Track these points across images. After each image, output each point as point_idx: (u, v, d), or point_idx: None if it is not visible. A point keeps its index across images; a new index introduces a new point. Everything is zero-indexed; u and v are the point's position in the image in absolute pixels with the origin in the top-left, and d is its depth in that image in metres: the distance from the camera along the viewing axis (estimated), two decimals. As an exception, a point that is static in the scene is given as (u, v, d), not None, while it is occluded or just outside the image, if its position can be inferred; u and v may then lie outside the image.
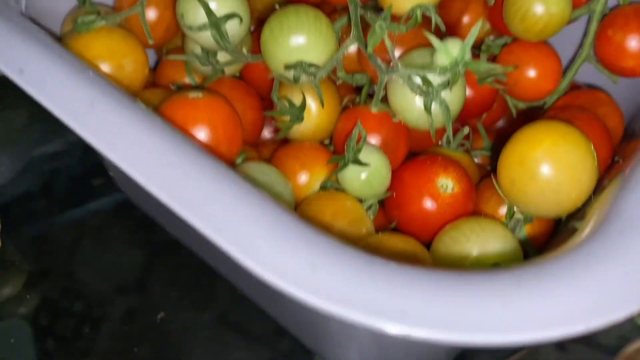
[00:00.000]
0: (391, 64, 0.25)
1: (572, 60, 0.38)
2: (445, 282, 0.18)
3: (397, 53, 0.32)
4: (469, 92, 0.37)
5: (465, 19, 0.39)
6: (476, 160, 0.39)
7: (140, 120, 0.22)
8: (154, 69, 0.38)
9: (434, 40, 0.24)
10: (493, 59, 0.38)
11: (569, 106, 0.34)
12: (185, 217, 0.19)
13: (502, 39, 0.39)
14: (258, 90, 0.35)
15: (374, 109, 0.27)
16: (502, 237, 0.27)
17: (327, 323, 0.29)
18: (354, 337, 0.29)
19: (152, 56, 0.39)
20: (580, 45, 0.38)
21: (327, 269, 0.18)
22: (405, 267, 0.19)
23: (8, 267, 0.41)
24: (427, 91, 0.27)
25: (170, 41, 0.38)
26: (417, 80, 0.27)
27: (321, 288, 0.17)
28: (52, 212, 0.44)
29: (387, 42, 0.24)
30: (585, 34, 0.38)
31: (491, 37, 0.40)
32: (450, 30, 0.39)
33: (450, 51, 0.25)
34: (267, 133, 0.37)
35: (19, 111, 0.53)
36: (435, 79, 0.27)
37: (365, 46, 0.26)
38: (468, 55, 0.25)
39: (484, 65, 0.25)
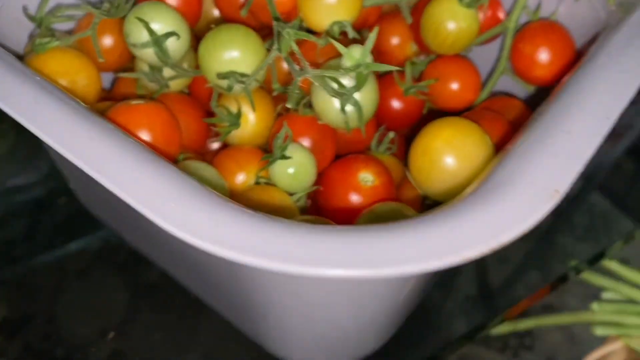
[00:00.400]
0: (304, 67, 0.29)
1: (492, 73, 0.43)
2: (335, 233, 0.21)
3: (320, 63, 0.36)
4: (397, 104, 0.41)
5: (394, 40, 0.43)
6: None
7: (78, 112, 0.25)
8: (111, 89, 0.41)
9: (338, 46, 0.28)
10: (421, 76, 0.43)
11: (481, 109, 0.38)
12: (109, 187, 0.22)
13: (427, 57, 0.43)
14: (204, 104, 0.38)
15: (289, 104, 0.30)
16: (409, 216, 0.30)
17: (266, 312, 0.31)
18: (290, 324, 0.32)
19: (110, 79, 0.43)
20: (498, 60, 0.42)
21: (230, 224, 0.21)
22: (304, 224, 0.22)
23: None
24: (341, 92, 0.30)
25: (125, 65, 0.42)
26: (334, 85, 0.31)
27: (225, 239, 0.21)
28: (32, 255, 0.45)
29: (295, 47, 0.28)
30: (501, 49, 0.42)
31: (421, 57, 0.44)
32: (379, 49, 0.43)
33: (353, 55, 0.28)
34: (216, 146, 0.41)
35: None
36: (348, 83, 0.31)
37: (289, 59, 0.30)
38: (369, 58, 0.29)
39: (384, 66, 0.29)
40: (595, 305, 0.80)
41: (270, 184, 0.34)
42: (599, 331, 0.79)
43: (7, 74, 0.26)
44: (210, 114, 0.37)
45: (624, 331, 0.77)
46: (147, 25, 0.32)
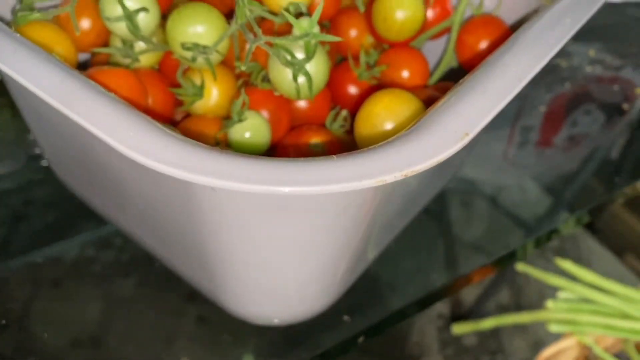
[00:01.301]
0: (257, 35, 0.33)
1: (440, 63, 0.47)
2: (263, 161, 0.24)
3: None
4: (353, 89, 0.45)
5: (352, 32, 0.47)
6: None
7: (51, 60, 0.28)
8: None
9: (289, 17, 0.32)
10: (375, 64, 0.46)
11: (424, 89, 0.42)
12: (78, 121, 0.25)
13: (381, 47, 0.47)
14: (172, 80, 0.42)
15: (243, 67, 0.34)
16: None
17: (220, 262, 0.34)
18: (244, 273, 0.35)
19: (86, 61, 0.46)
20: (445, 51, 0.46)
21: (177, 148, 0.24)
22: (247, 155, 0.25)
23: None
24: (293, 62, 0.34)
25: (101, 46, 0.45)
26: (288, 57, 0.34)
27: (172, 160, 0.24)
28: (6, 262, 0.45)
29: (248, 13, 0.31)
30: (447, 42, 0.46)
31: (377, 50, 0.48)
32: (340, 42, 0.47)
33: (302, 25, 0.32)
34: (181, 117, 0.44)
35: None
36: (300, 55, 0.34)
37: (242, 28, 0.34)
38: (316, 29, 0.32)
39: (329, 37, 0.32)
40: (550, 304, 0.84)
41: (228, 146, 0.37)
42: (554, 328, 0.82)
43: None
44: (177, 87, 0.41)
45: (578, 328, 0.81)
46: (120, 1, 0.36)
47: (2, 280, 0.43)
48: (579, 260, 0.83)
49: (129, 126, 0.25)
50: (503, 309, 0.89)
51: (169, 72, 0.42)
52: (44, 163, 0.51)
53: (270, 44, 0.34)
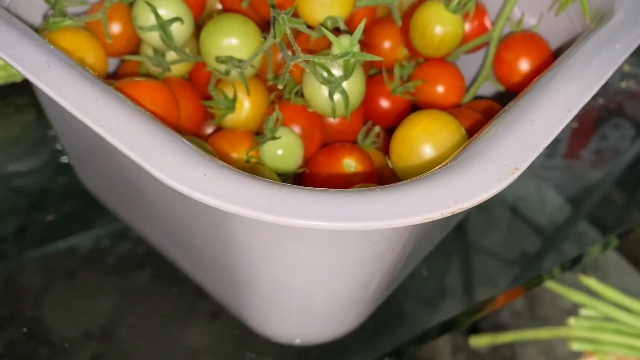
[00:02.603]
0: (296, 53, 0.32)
1: (476, 78, 0.45)
2: (309, 192, 0.24)
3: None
4: (385, 103, 0.44)
5: (386, 44, 0.46)
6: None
7: (85, 76, 0.27)
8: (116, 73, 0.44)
9: (328, 34, 0.31)
10: (409, 78, 0.45)
11: (458, 108, 0.41)
12: (113, 143, 0.24)
13: (416, 61, 0.45)
14: (202, 90, 0.41)
15: (280, 85, 0.33)
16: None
17: (249, 281, 0.33)
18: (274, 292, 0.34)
19: (115, 66, 0.45)
20: (482, 67, 0.45)
21: (217, 176, 0.23)
22: (288, 185, 0.24)
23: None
24: (330, 80, 0.33)
25: (131, 51, 0.44)
26: (324, 74, 0.33)
27: (211, 189, 0.23)
28: (22, 252, 0.45)
29: (289, 32, 0.30)
30: (485, 57, 0.45)
31: (411, 63, 0.47)
32: (372, 52, 0.46)
33: (342, 43, 0.31)
34: (210, 130, 0.43)
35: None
36: (337, 72, 0.33)
37: (284, 47, 0.33)
38: (356, 48, 0.31)
39: (370, 56, 0.31)
40: (572, 321, 0.82)
41: (260, 164, 0.36)
42: (576, 346, 0.81)
43: (23, 40, 0.29)
44: (208, 98, 0.40)
45: (599, 347, 0.79)
46: (154, 10, 0.35)
47: (17, 270, 0.43)
48: (595, 269, 0.81)
49: (167, 151, 0.24)
50: (516, 316, 0.87)
51: (199, 81, 0.41)
52: (64, 159, 0.51)
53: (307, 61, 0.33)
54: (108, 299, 0.43)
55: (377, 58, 0.31)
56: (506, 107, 0.31)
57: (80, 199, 0.48)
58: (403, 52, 0.46)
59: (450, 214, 0.23)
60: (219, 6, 0.44)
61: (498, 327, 0.84)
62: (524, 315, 0.87)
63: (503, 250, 0.52)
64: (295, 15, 0.37)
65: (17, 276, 0.43)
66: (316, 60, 0.31)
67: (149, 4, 0.35)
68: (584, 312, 0.80)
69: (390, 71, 0.45)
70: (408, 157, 0.33)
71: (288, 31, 0.30)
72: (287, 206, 0.22)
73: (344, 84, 0.34)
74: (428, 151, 0.32)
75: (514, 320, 0.86)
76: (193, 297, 0.43)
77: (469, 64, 0.47)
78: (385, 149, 0.43)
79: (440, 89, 0.43)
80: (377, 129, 0.41)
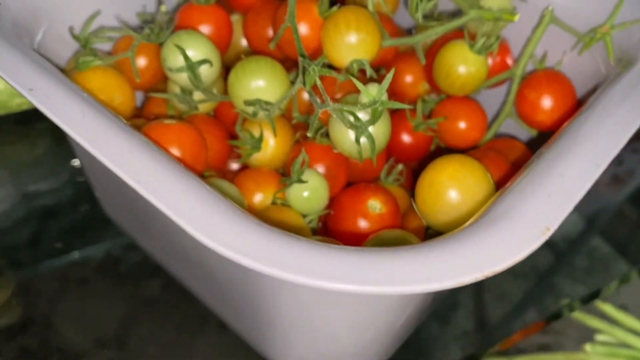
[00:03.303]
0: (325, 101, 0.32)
1: (498, 115, 0.45)
2: (344, 252, 0.24)
3: (338, 97, 0.39)
4: (407, 138, 0.44)
5: (407, 78, 0.46)
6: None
7: (120, 127, 0.28)
8: (142, 107, 0.44)
9: (357, 83, 0.31)
10: (431, 114, 0.45)
11: (485, 149, 0.41)
12: (148, 198, 0.25)
13: (438, 96, 0.46)
14: (227, 127, 0.41)
15: (310, 134, 0.33)
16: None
17: (273, 323, 0.34)
18: (297, 332, 0.34)
19: (141, 98, 0.46)
20: (504, 103, 0.45)
21: (251, 235, 0.24)
22: (320, 244, 0.24)
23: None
24: (356, 125, 0.33)
25: (156, 85, 0.45)
26: (351, 118, 0.33)
27: (246, 249, 0.23)
28: (36, 261, 0.46)
29: (319, 82, 0.31)
30: (508, 94, 0.45)
31: (432, 96, 0.47)
32: (394, 86, 0.46)
33: (371, 92, 0.31)
34: (235, 166, 0.43)
35: (18, 149, 0.58)
36: (363, 116, 0.33)
37: (311, 92, 0.33)
38: (385, 96, 0.31)
39: (398, 104, 0.31)
40: (588, 347, 0.82)
41: (285, 205, 0.36)
42: (591, 373, 0.80)
43: (57, 87, 0.29)
44: (233, 135, 0.40)
45: (616, 374, 0.79)
46: (183, 52, 0.35)
47: (30, 277, 0.44)
48: (623, 306, 0.81)
49: (202, 207, 0.24)
50: (532, 340, 0.87)
51: (225, 117, 0.42)
52: (80, 179, 0.52)
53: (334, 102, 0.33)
54: (120, 308, 0.43)
55: (405, 106, 0.31)
56: (534, 157, 0.31)
57: (93, 210, 0.49)
58: (425, 86, 0.46)
59: (483, 278, 0.23)
60: (244, 42, 0.45)
61: (513, 351, 0.84)
62: (540, 339, 0.86)
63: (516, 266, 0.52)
64: (318, 52, 0.38)
65: (31, 284, 0.44)
66: (345, 109, 0.31)
67: (178, 47, 0.35)
68: (599, 337, 0.79)
69: (412, 106, 0.45)
70: (434, 203, 0.33)
71: (319, 82, 0.31)
72: (323, 269, 0.22)
73: (370, 128, 0.34)
74: (454, 198, 0.32)
75: (529, 344, 0.86)
76: (204, 306, 0.43)
77: (490, 99, 0.47)
78: (407, 186, 0.44)
79: (462, 125, 0.43)
80: (400, 166, 0.41)
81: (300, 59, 0.33)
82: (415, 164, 0.46)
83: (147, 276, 0.45)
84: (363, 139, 0.34)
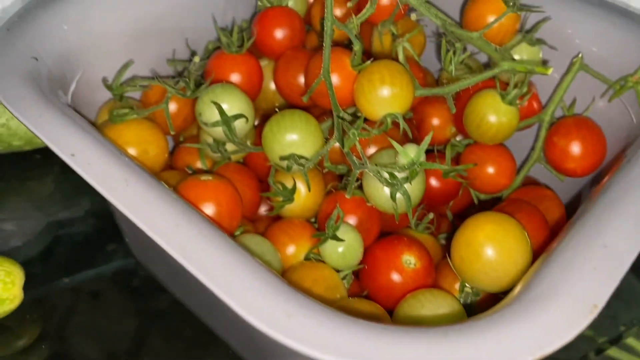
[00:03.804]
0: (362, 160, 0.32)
1: (526, 159, 0.45)
2: (395, 334, 0.24)
3: (372, 149, 0.39)
4: (436, 183, 0.44)
5: (435, 121, 0.46)
6: (443, 241, 0.45)
7: (164, 196, 0.28)
8: (172, 152, 0.44)
9: (395, 145, 0.31)
10: (458, 157, 0.45)
11: (517, 200, 0.40)
12: (194, 273, 0.25)
13: (465, 140, 0.46)
14: (258, 173, 0.41)
15: (348, 195, 0.33)
16: (451, 305, 0.32)
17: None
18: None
19: (170, 140, 0.46)
20: (532, 148, 0.45)
21: (301, 318, 0.24)
22: (366, 322, 0.24)
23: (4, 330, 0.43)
24: (392, 183, 0.33)
25: (187, 129, 0.45)
26: (385, 174, 0.34)
27: (295, 332, 0.23)
28: (52, 276, 0.46)
29: (358, 146, 0.31)
30: (536, 139, 0.45)
31: (458, 138, 0.47)
32: (422, 129, 0.46)
33: (409, 154, 0.31)
34: (263, 210, 0.44)
35: (44, 181, 0.58)
36: (399, 174, 0.33)
37: (343, 145, 0.33)
38: (423, 158, 0.31)
39: (436, 165, 0.31)
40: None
41: (319, 260, 0.36)
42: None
43: (99, 152, 0.29)
44: (264, 181, 0.40)
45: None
46: (220, 108, 0.36)
47: (44, 291, 0.44)
48: None
49: (250, 284, 0.24)
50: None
51: (255, 164, 0.42)
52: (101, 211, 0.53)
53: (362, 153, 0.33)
54: (132, 322, 0.43)
55: (442, 167, 0.31)
56: (574, 220, 0.31)
57: (106, 224, 0.49)
58: (452, 130, 0.46)
59: (534, 361, 0.23)
60: (273, 86, 0.45)
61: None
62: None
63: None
64: (349, 102, 0.38)
65: (44, 298, 0.44)
66: (382, 170, 0.31)
67: (215, 103, 0.35)
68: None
69: (440, 150, 0.45)
70: (471, 262, 0.33)
71: (359, 147, 0.31)
72: (377, 355, 0.22)
73: (407, 185, 0.34)
74: (493, 259, 0.32)
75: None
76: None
77: (517, 142, 0.47)
78: (437, 229, 0.44)
79: (490, 170, 0.43)
80: (430, 215, 0.41)
81: (335, 118, 0.33)
82: (443, 207, 0.46)
83: (159, 291, 0.45)
84: (398, 195, 0.34)
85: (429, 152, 0.47)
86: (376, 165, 0.32)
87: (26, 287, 0.42)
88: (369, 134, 0.32)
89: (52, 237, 0.52)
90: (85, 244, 0.50)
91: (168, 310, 0.43)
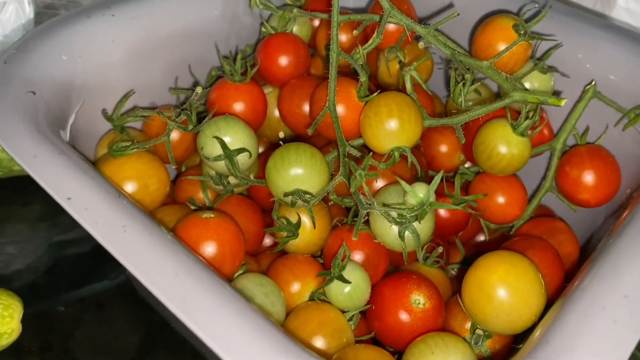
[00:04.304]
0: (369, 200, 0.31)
1: (538, 188, 0.44)
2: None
3: (379, 182, 0.38)
4: (445, 214, 0.42)
5: (443, 148, 0.45)
6: (453, 272, 0.44)
7: (163, 244, 0.27)
8: (174, 181, 0.43)
9: (404, 185, 0.30)
10: (467, 184, 0.44)
11: (529, 235, 0.39)
12: (190, 326, 0.24)
13: (474, 166, 0.44)
14: (261, 204, 0.40)
15: (355, 237, 0.32)
16: (462, 352, 0.31)
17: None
18: None
19: (172, 169, 0.45)
20: (544, 177, 0.43)
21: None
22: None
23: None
24: (401, 222, 0.32)
25: (188, 158, 0.44)
26: (393, 212, 0.32)
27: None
28: (57, 290, 0.46)
29: (365, 188, 0.30)
30: (547, 168, 0.43)
31: (466, 165, 0.46)
32: (429, 156, 0.45)
33: (418, 194, 0.30)
34: (267, 241, 0.42)
35: (45, 205, 0.57)
36: (408, 212, 0.32)
37: (349, 183, 0.32)
38: (432, 198, 0.30)
39: (446, 205, 0.30)
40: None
41: (325, 300, 0.35)
42: None
43: (98, 197, 0.28)
44: (268, 211, 0.39)
45: None
46: (222, 143, 0.34)
47: (49, 302, 0.44)
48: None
49: (250, 341, 0.23)
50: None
51: (259, 195, 0.41)
52: None
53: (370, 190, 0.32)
54: (137, 333, 0.43)
55: (452, 207, 0.30)
56: (591, 263, 0.29)
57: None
58: (461, 157, 0.45)
59: None
60: (277, 113, 0.44)
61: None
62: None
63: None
64: (355, 133, 0.37)
65: (49, 310, 0.44)
66: (391, 212, 0.30)
67: (218, 138, 0.34)
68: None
69: (449, 180, 0.44)
70: (483, 305, 0.32)
71: (366, 188, 0.29)
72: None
73: (415, 223, 0.33)
74: (506, 302, 0.31)
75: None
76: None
77: (527, 169, 0.46)
78: (447, 260, 0.42)
79: (501, 200, 0.42)
80: (440, 249, 0.40)
81: (341, 157, 0.32)
82: (452, 238, 0.44)
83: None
84: (407, 233, 0.33)
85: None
86: (384, 204, 0.31)
87: (30, 302, 0.42)
88: (376, 174, 0.31)
89: (55, 258, 0.51)
90: (89, 262, 0.49)
91: (173, 322, 0.43)
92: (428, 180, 0.44)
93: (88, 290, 0.46)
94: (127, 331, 0.43)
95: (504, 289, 0.31)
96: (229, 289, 0.26)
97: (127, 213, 0.28)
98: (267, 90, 0.44)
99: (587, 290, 0.27)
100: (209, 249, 0.33)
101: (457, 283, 0.43)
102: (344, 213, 0.41)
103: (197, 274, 0.26)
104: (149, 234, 0.27)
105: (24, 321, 0.41)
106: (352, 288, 0.34)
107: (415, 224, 0.33)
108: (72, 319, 0.44)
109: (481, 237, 0.47)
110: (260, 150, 0.45)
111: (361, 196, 0.31)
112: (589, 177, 0.41)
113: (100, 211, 0.28)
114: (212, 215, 0.34)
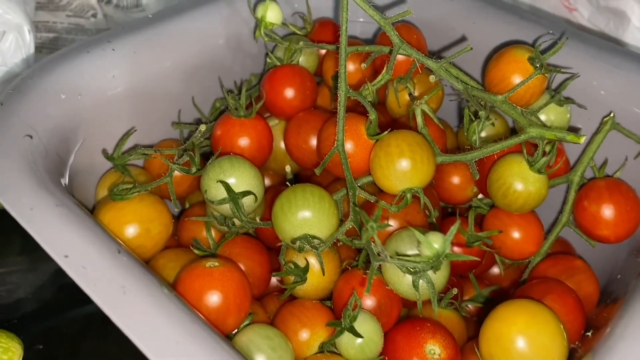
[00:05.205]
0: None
1: (554, 222, 0.42)
2: None
3: (392, 222, 0.36)
4: (458, 251, 0.41)
5: (455, 180, 0.43)
6: (468, 308, 0.42)
7: (164, 306, 0.25)
8: (177, 217, 0.42)
9: (419, 235, 0.28)
10: (481, 218, 0.42)
11: (547, 278, 0.37)
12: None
13: (487, 198, 0.43)
14: (267, 242, 0.39)
15: (367, 291, 0.30)
16: (480, 409, 0.29)
17: None
18: None
19: (174, 205, 0.43)
20: (561, 211, 0.42)
21: None
22: None
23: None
24: (415, 272, 0.31)
25: (192, 194, 0.42)
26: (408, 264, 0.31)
27: None
28: (62, 307, 0.45)
29: (377, 240, 0.28)
30: (564, 201, 0.42)
31: (481, 197, 0.44)
32: (441, 188, 0.43)
33: (434, 246, 0.29)
34: (274, 280, 0.41)
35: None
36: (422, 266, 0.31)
37: (360, 228, 0.30)
38: (448, 249, 0.29)
39: (463, 257, 0.29)
40: None
41: (335, 353, 0.33)
42: None
43: (97, 256, 0.27)
44: (274, 250, 0.38)
45: None
46: (227, 186, 0.33)
47: (54, 317, 0.43)
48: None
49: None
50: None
51: (265, 235, 0.39)
52: None
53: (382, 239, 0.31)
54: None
55: (470, 258, 0.29)
56: (617, 320, 0.28)
57: None
58: (474, 190, 0.43)
59: None
60: (283, 146, 0.42)
61: None
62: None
63: None
64: (364, 172, 0.35)
65: (54, 324, 0.43)
66: (404, 260, 0.29)
67: (222, 182, 0.33)
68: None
69: (462, 213, 0.42)
70: (501, 358, 0.30)
71: (377, 241, 0.28)
72: None
73: (429, 272, 0.31)
74: (526, 356, 0.29)
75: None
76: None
77: (544, 202, 0.44)
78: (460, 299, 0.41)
79: (516, 235, 0.40)
80: (454, 291, 0.38)
81: (351, 207, 0.31)
82: (466, 274, 0.43)
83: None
84: (421, 282, 0.31)
85: (450, 215, 0.44)
86: (397, 253, 0.30)
87: (35, 319, 0.42)
88: (388, 225, 0.29)
89: (58, 285, 0.50)
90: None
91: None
92: (441, 217, 0.43)
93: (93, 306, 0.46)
94: (131, 345, 0.42)
95: (524, 342, 0.30)
96: (232, 353, 0.25)
97: (127, 271, 0.27)
98: (273, 122, 0.42)
99: (609, 348, 0.25)
100: (213, 298, 0.31)
101: (471, 322, 0.41)
102: (354, 253, 0.39)
103: (200, 339, 0.24)
104: (149, 295, 0.26)
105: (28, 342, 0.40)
106: (364, 340, 0.32)
107: (430, 273, 0.31)
108: (78, 332, 0.43)
109: (495, 269, 0.45)
110: (267, 183, 0.43)
111: (373, 246, 0.30)
112: (608, 212, 0.39)
113: (98, 271, 0.26)
114: (216, 264, 0.32)
